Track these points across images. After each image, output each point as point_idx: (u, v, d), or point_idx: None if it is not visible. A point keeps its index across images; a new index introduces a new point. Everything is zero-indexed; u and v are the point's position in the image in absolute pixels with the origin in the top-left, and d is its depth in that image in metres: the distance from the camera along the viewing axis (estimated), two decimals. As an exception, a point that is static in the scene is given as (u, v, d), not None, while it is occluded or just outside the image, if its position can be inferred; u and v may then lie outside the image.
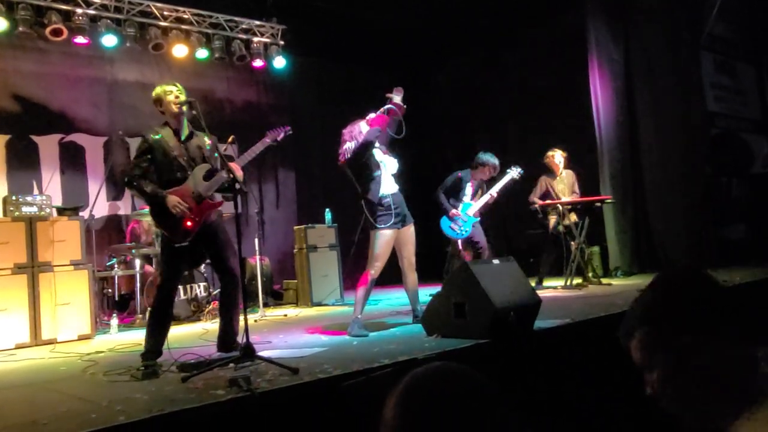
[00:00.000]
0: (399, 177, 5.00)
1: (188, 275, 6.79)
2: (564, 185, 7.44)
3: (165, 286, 4.00)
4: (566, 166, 7.53)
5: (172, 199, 3.94)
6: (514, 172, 6.95)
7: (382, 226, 4.69)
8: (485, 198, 6.81)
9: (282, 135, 4.41)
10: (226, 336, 4.17)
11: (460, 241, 6.85)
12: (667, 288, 1.32)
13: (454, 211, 6.68)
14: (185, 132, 4.18)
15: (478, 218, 6.81)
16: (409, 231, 4.92)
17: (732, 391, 1.20)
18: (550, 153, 7.50)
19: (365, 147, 4.72)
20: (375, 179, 4.75)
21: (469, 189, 6.85)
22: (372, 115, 4.88)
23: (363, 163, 4.76)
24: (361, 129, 4.83)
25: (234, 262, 4.15)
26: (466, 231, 6.72)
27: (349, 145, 4.81)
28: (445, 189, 6.81)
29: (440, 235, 6.90)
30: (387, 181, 4.81)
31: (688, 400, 1.24)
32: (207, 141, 4.24)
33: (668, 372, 1.25)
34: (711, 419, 1.22)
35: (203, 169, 4.15)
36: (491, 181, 6.91)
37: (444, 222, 6.77)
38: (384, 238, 4.70)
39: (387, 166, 4.87)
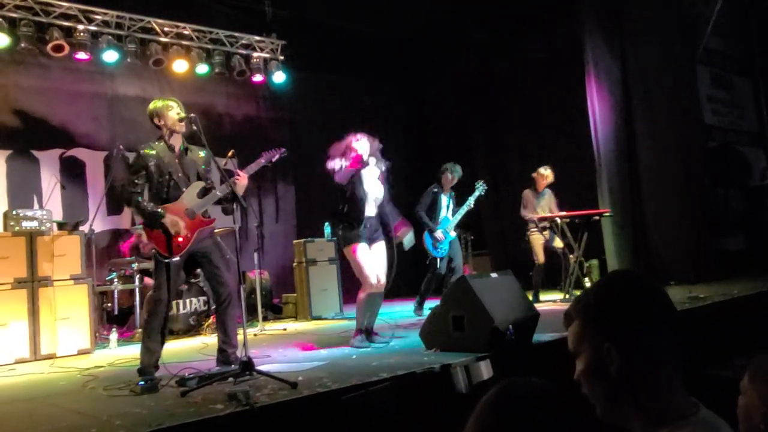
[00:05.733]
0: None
1: (187, 289, 6.79)
2: (545, 202, 7.50)
3: (158, 301, 4.00)
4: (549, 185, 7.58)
5: (171, 219, 3.96)
6: (481, 188, 7.04)
7: (355, 242, 4.76)
8: (464, 209, 6.88)
9: (277, 156, 4.47)
10: (225, 350, 4.18)
11: (438, 259, 6.87)
12: (607, 290, 1.34)
13: (439, 234, 6.74)
14: (181, 147, 4.21)
15: (455, 236, 6.90)
16: (377, 247, 4.91)
17: (642, 407, 1.24)
18: (541, 169, 7.51)
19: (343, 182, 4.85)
20: (358, 203, 4.81)
21: (443, 203, 6.91)
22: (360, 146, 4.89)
23: (348, 189, 4.84)
24: (353, 146, 4.87)
25: (228, 276, 4.19)
26: (444, 250, 6.81)
27: (338, 163, 4.85)
28: (425, 207, 6.86)
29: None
30: (369, 206, 4.88)
31: (597, 397, 1.29)
32: (201, 155, 4.27)
33: (589, 367, 1.29)
34: (617, 421, 1.27)
35: (198, 186, 4.17)
36: (458, 192, 7.03)
37: (427, 239, 6.81)
38: (361, 251, 4.76)
39: (373, 192, 4.92)
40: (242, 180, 4.17)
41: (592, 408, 1.30)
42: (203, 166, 4.27)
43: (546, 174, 7.48)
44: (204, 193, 4.19)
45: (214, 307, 6.62)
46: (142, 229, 4.12)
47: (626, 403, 1.25)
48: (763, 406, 1.43)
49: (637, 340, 1.24)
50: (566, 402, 1.12)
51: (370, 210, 4.88)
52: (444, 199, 6.93)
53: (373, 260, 4.80)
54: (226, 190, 4.10)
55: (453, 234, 6.90)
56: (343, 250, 4.86)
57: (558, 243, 7.24)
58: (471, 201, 6.94)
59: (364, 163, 4.81)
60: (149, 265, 6.88)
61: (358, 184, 4.80)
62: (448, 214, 6.91)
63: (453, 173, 6.91)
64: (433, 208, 6.86)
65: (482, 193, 7.06)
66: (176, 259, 3.98)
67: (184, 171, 4.16)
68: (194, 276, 7.06)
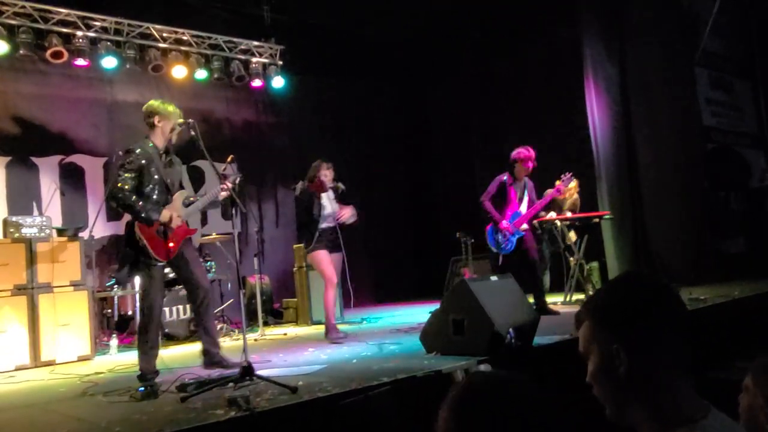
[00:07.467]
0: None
1: (186, 296, 6.77)
2: (570, 203, 7.46)
3: (152, 307, 4.05)
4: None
5: (167, 213, 4.03)
6: (567, 180, 6.57)
7: (316, 248, 5.71)
8: (547, 197, 6.37)
9: (238, 180, 4.39)
10: (210, 350, 4.25)
11: (501, 256, 6.31)
12: (614, 291, 1.36)
13: (505, 223, 6.16)
14: (171, 155, 4.30)
15: (524, 232, 6.31)
16: (336, 257, 5.82)
17: (649, 408, 1.24)
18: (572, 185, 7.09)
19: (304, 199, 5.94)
20: (318, 218, 5.76)
21: (513, 194, 6.31)
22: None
23: (308, 207, 5.84)
24: (319, 175, 5.84)
25: (202, 276, 4.34)
26: (510, 245, 6.24)
27: (300, 186, 5.99)
28: (490, 195, 6.30)
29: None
30: (324, 219, 5.80)
31: (607, 399, 1.30)
32: (179, 166, 4.43)
33: (598, 368, 1.29)
34: (626, 422, 1.28)
35: (183, 195, 4.30)
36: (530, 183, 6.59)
37: (490, 232, 6.31)
38: (319, 256, 5.71)
39: (330, 209, 5.83)
40: (223, 193, 4.32)
41: (600, 410, 1.30)
42: (182, 175, 4.40)
43: (569, 188, 7.20)
44: (188, 202, 4.34)
45: (215, 311, 6.65)
46: (140, 233, 4.11)
47: (634, 404, 1.25)
48: (767, 405, 1.42)
49: (641, 341, 1.24)
50: (535, 389, 1.12)
51: (328, 223, 5.79)
52: (515, 190, 6.31)
53: (329, 262, 5.71)
54: (206, 202, 4.30)
55: (522, 229, 6.24)
56: (308, 256, 5.84)
57: (569, 238, 7.14)
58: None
59: (324, 188, 5.81)
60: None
61: (317, 203, 5.76)
62: (521, 208, 6.29)
63: (523, 159, 6.21)
64: (502, 199, 6.27)
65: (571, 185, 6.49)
66: (163, 263, 4.11)
67: (171, 178, 4.24)
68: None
